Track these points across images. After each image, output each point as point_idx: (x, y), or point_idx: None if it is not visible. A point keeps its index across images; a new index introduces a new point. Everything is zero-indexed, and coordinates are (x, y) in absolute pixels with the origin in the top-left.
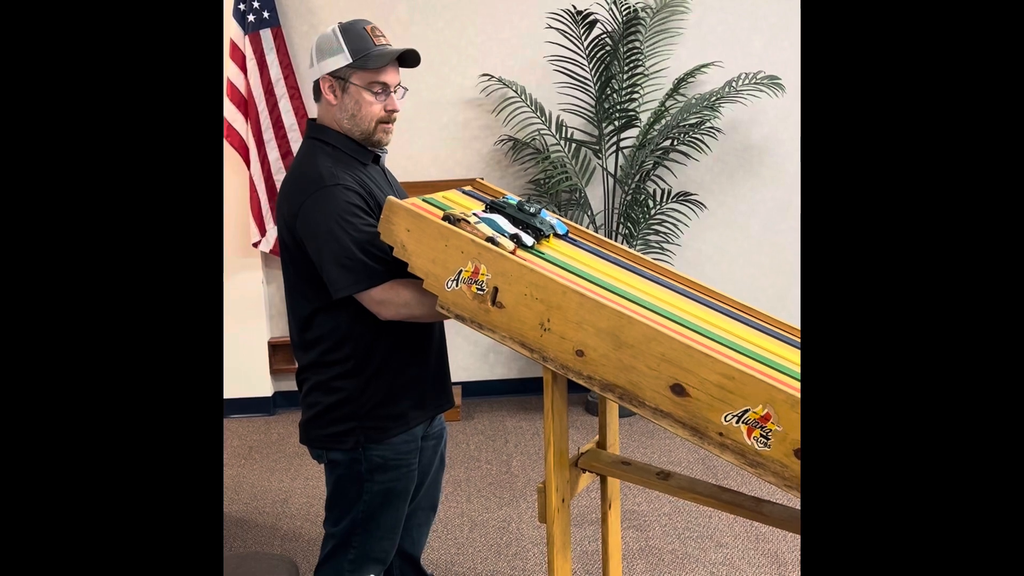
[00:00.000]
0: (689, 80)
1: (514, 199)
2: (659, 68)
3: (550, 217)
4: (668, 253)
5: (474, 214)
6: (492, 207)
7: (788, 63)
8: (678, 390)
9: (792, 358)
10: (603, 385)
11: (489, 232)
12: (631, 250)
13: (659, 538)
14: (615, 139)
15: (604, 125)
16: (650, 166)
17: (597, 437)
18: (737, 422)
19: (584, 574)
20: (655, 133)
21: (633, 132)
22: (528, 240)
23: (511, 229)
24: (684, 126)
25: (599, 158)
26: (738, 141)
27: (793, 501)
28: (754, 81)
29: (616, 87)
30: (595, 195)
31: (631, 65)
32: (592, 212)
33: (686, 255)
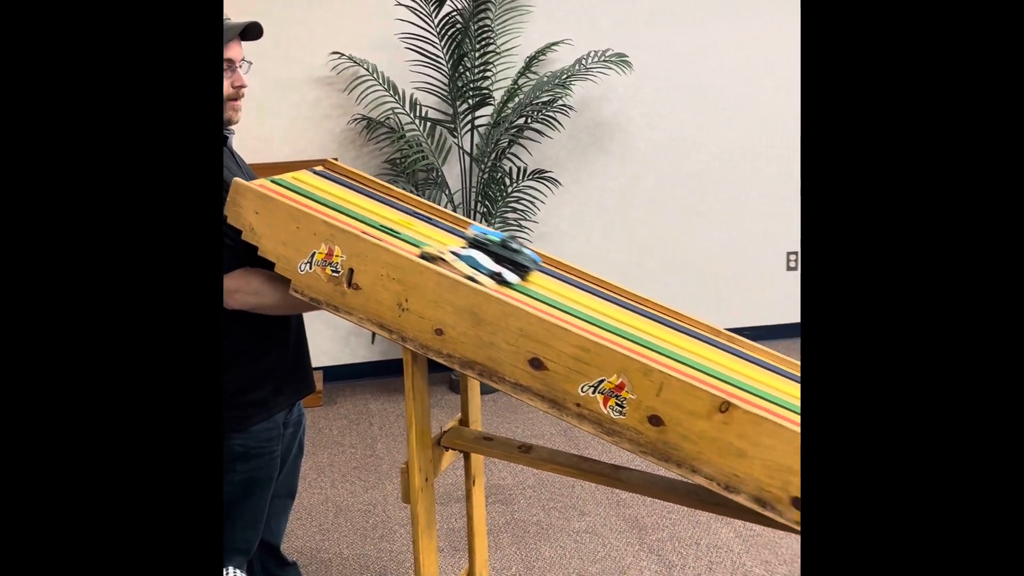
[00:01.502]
0: (540, 58)
1: (497, 235)
2: (511, 46)
3: (526, 250)
4: (526, 230)
5: (451, 251)
6: (473, 244)
7: (635, 41)
8: (536, 364)
9: (642, 327)
10: (463, 362)
11: (468, 270)
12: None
13: (524, 510)
14: (470, 117)
15: (458, 103)
16: (505, 144)
17: (460, 415)
18: (593, 392)
19: (452, 551)
20: (509, 111)
21: (488, 110)
22: (512, 277)
23: (492, 267)
24: (537, 104)
25: (455, 137)
26: (590, 118)
27: (650, 467)
28: (603, 59)
29: (468, 65)
30: (452, 174)
31: (482, 43)
32: (450, 191)
33: (543, 231)
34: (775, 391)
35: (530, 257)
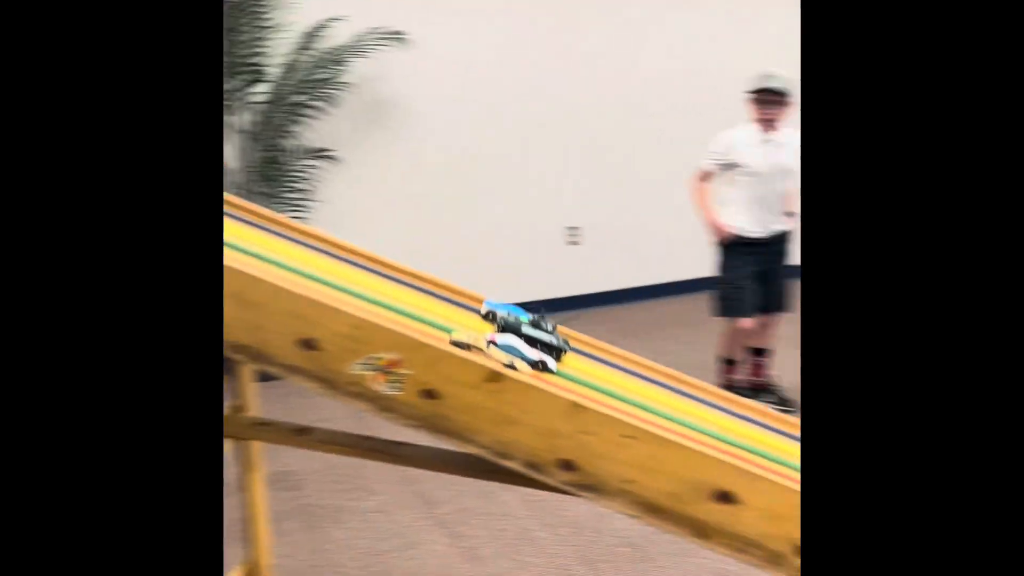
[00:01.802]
0: (317, 34)
1: (525, 315)
2: (285, 21)
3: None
4: (308, 211)
5: (488, 340)
6: (504, 327)
7: (411, 17)
8: (308, 344)
9: (417, 303)
10: (233, 347)
11: (507, 359)
12: (262, 208)
13: (313, 495)
14: (245, 95)
15: (232, 80)
16: (284, 122)
17: (235, 402)
18: (367, 370)
19: (238, 542)
20: (287, 88)
21: (264, 88)
22: (552, 364)
23: (533, 355)
24: (315, 81)
25: (230, 115)
26: (369, 96)
27: (433, 441)
28: (379, 36)
29: (241, 40)
30: (229, 154)
31: (255, 17)
32: (228, 171)
33: (326, 212)
34: None
35: (561, 337)
